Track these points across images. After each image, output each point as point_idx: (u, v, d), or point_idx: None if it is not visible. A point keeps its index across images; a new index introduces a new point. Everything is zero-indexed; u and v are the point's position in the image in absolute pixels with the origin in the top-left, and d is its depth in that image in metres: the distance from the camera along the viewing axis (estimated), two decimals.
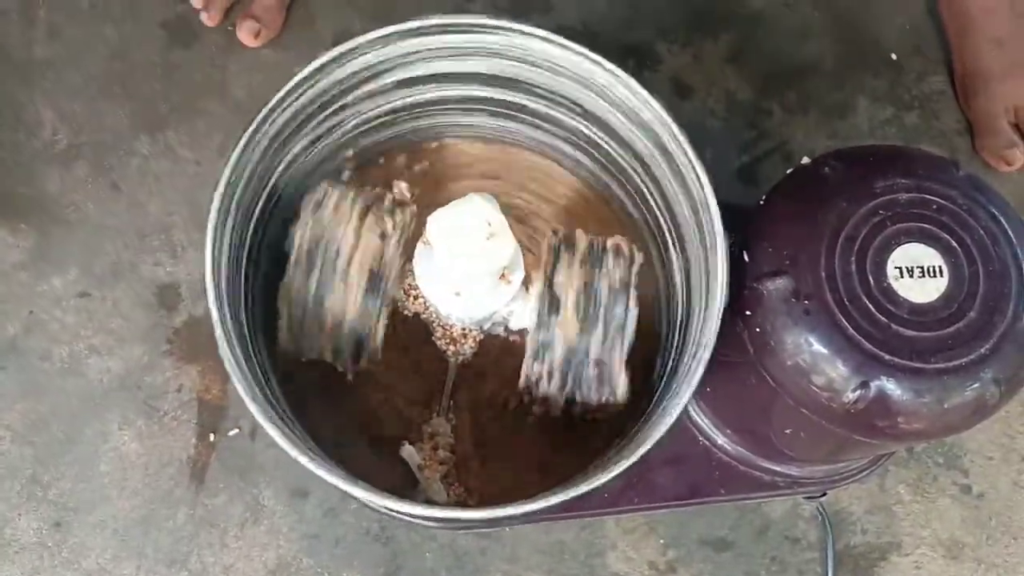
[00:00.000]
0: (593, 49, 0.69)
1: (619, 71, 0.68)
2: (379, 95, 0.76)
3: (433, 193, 0.81)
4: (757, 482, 0.76)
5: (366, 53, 0.70)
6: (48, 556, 0.84)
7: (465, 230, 0.63)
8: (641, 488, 0.76)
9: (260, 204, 0.71)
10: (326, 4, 1.04)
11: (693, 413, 0.77)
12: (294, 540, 0.85)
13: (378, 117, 0.78)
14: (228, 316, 0.64)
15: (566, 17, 1.05)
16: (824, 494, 0.81)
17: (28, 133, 0.96)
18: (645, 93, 0.68)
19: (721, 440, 0.76)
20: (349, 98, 0.74)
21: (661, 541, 0.86)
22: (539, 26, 0.70)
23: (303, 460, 0.60)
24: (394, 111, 0.79)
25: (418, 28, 0.70)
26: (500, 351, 0.78)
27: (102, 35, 1.00)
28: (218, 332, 0.62)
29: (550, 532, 0.86)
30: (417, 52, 0.72)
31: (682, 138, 0.67)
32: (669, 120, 0.67)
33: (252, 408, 0.60)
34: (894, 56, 1.05)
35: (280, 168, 0.72)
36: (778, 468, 0.76)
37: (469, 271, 0.65)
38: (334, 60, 0.68)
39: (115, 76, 0.98)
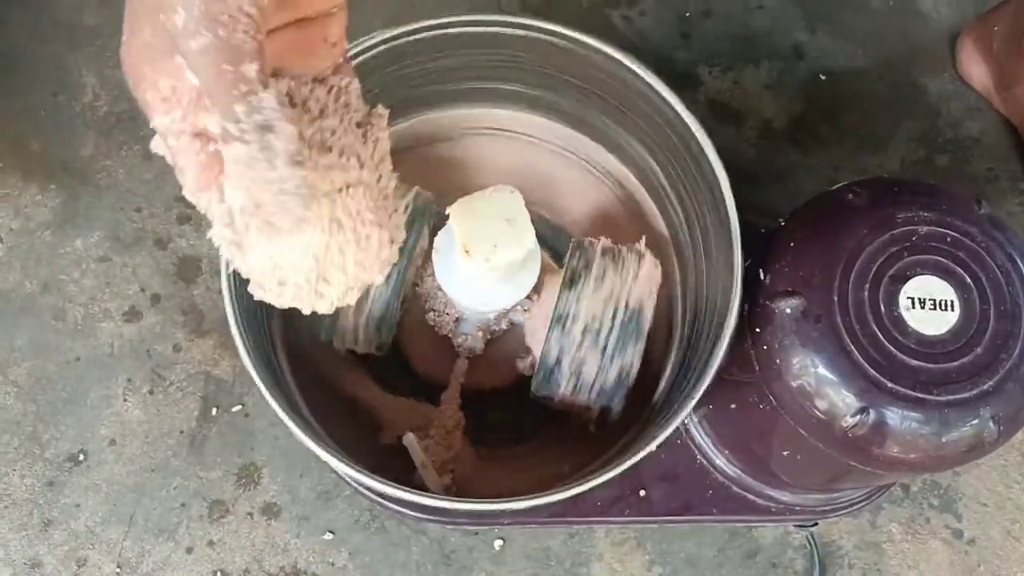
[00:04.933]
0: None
1: (657, 81, 0.70)
2: (412, 81, 0.77)
3: (456, 189, 0.82)
4: (750, 505, 0.77)
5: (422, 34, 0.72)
6: (37, 513, 0.85)
7: (487, 220, 0.64)
8: (633, 500, 0.76)
9: None
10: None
11: (693, 431, 0.77)
12: (284, 521, 0.85)
13: (407, 102, 0.80)
14: (241, 294, 0.65)
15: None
16: (816, 523, 0.81)
17: (69, 96, 0.98)
18: (681, 108, 0.69)
19: (718, 460, 0.76)
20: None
21: (648, 556, 0.86)
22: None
23: (301, 436, 0.60)
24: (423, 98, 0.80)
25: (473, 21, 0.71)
26: (510, 346, 0.78)
27: None
28: (229, 309, 0.63)
29: (538, 537, 0.86)
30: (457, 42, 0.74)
31: (713, 158, 0.68)
32: (702, 137, 0.69)
33: (256, 378, 0.61)
34: (933, 100, 1.06)
35: None
36: (772, 492, 0.76)
37: (486, 262, 0.65)
38: (391, 39, 0.70)
39: None
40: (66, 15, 1.01)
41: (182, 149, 0.41)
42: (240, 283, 0.64)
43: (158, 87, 0.40)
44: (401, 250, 0.68)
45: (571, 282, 0.70)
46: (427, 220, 0.73)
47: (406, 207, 0.71)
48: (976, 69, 1.04)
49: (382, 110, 0.49)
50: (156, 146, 0.43)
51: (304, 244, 0.46)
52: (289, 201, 0.41)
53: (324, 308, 0.49)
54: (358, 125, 0.47)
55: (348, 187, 0.46)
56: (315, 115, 0.45)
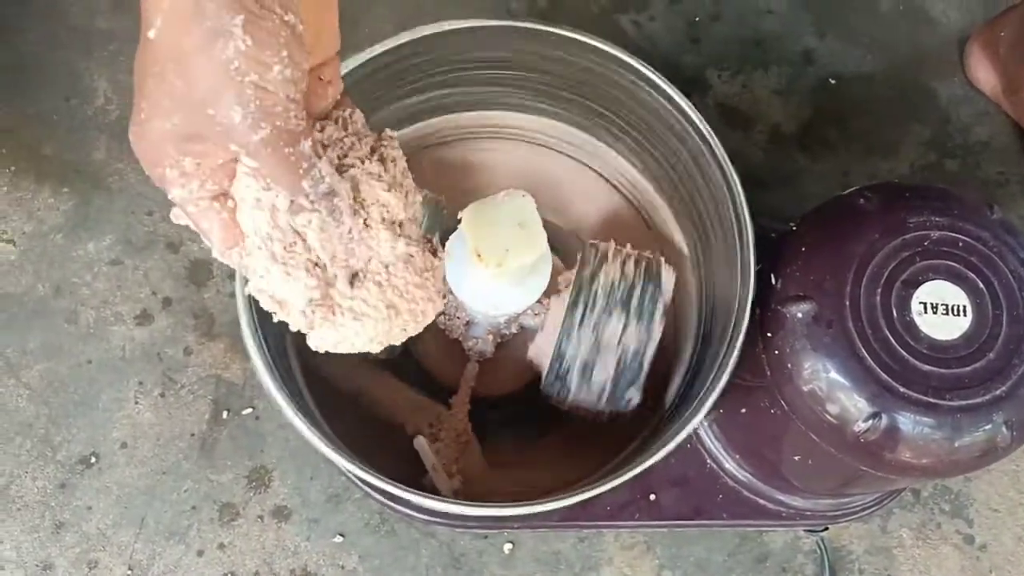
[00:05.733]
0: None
1: (669, 85, 0.70)
2: (422, 85, 0.77)
3: (467, 193, 0.82)
4: (761, 510, 0.77)
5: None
6: (49, 515, 0.85)
7: (498, 225, 0.64)
8: (644, 505, 0.76)
9: None
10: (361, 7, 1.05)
11: (704, 435, 0.77)
12: (295, 524, 0.85)
13: (418, 107, 0.80)
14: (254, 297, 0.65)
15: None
16: (826, 528, 0.81)
17: (81, 100, 0.98)
18: (693, 113, 0.70)
19: (729, 464, 0.76)
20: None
21: (657, 561, 0.86)
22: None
23: (312, 437, 0.61)
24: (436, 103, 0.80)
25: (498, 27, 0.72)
26: (520, 350, 0.78)
27: None
28: (241, 309, 0.63)
29: (548, 541, 0.86)
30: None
31: (726, 162, 0.68)
32: (714, 142, 0.69)
33: (266, 382, 0.61)
34: (943, 105, 1.06)
35: None
36: (783, 497, 0.76)
37: (498, 267, 0.66)
38: (402, 45, 0.70)
39: None
40: (78, 20, 1.01)
41: (203, 214, 0.44)
42: None
43: (181, 165, 0.42)
44: None
45: (582, 286, 0.70)
46: (437, 224, 0.73)
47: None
48: (984, 73, 1.04)
49: (390, 132, 0.51)
50: (177, 217, 0.46)
51: (366, 336, 0.50)
52: (357, 248, 0.47)
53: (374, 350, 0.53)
54: (372, 150, 0.50)
55: (389, 265, 0.50)
56: (338, 151, 0.48)
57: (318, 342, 0.50)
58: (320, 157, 0.44)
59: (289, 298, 0.47)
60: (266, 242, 0.45)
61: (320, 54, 0.47)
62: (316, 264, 0.47)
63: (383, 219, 0.49)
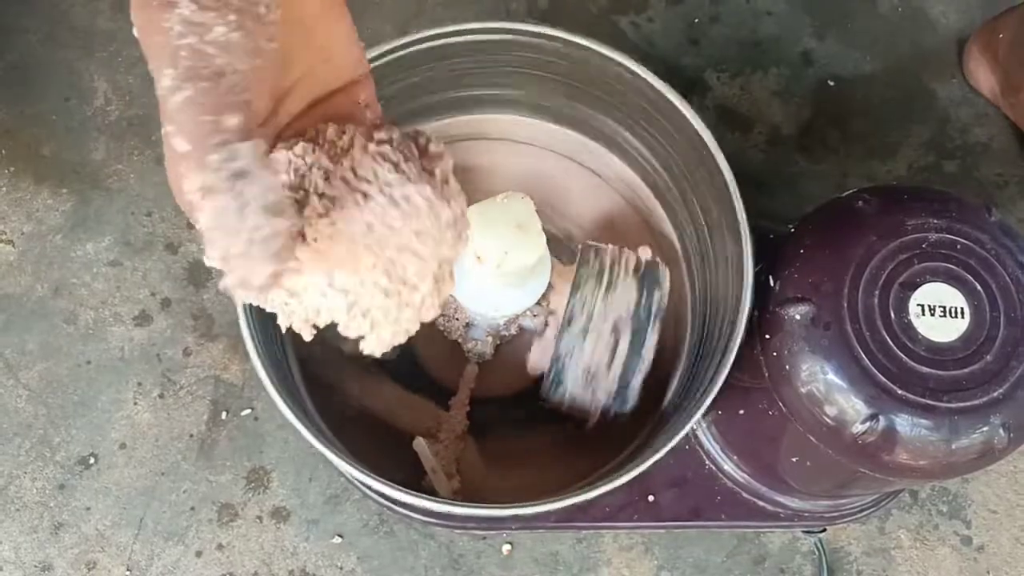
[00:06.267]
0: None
1: (666, 88, 0.70)
2: (422, 88, 0.77)
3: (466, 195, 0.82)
4: (759, 511, 0.77)
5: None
6: (48, 516, 0.85)
7: (498, 226, 0.64)
8: (642, 506, 0.76)
9: None
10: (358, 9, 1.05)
11: (702, 436, 0.77)
12: (293, 524, 0.86)
13: (417, 109, 0.80)
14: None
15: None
16: (824, 529, 0.81)
17: (81, 100, 0.98)
18: (691, 115, 0.70)
19: (727, 466, 0.76)
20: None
21: (656, 562, 0.86)
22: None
23: (310, 438, 0.61)
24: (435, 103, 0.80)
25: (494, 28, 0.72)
26: (519, 352, 0.78)
27: None
28: (240, 310, 0.64)
29: (547, 542, 0.86)
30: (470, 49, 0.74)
31: (723, 164, 0.68)
32: (712, 144, 0.69)
33: (265, 382, 0.62)
34: (942, 106, 1.06)
35: None
36: (781, 498, 0.76)
37: (497, 268, 0.66)
38: (401, 47, 0.71)
39: None
40: (79, 21, 1.01)
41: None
42: None
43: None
44: None
45: (581, 288, 0.70)
46: None
47: None
48: (983, 75, 1.04)
49: (437, 147, 0.48)
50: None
51: (329, 304, 0.46)
52: (257, 251, 0.40)
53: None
54: (424, 169, 0.47)
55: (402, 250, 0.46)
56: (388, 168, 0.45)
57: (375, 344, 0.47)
58: (248, 139, 0.39)
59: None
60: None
61: (346, 71, 0.46)
62: None
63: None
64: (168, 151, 0.39)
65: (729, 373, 0.64)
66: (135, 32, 0.39)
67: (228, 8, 0.38)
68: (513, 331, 0.78)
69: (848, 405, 0.60)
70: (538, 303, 0.73)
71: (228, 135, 0.39)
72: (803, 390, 0.62)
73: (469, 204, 0.67)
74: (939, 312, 0.60)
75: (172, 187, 0.40)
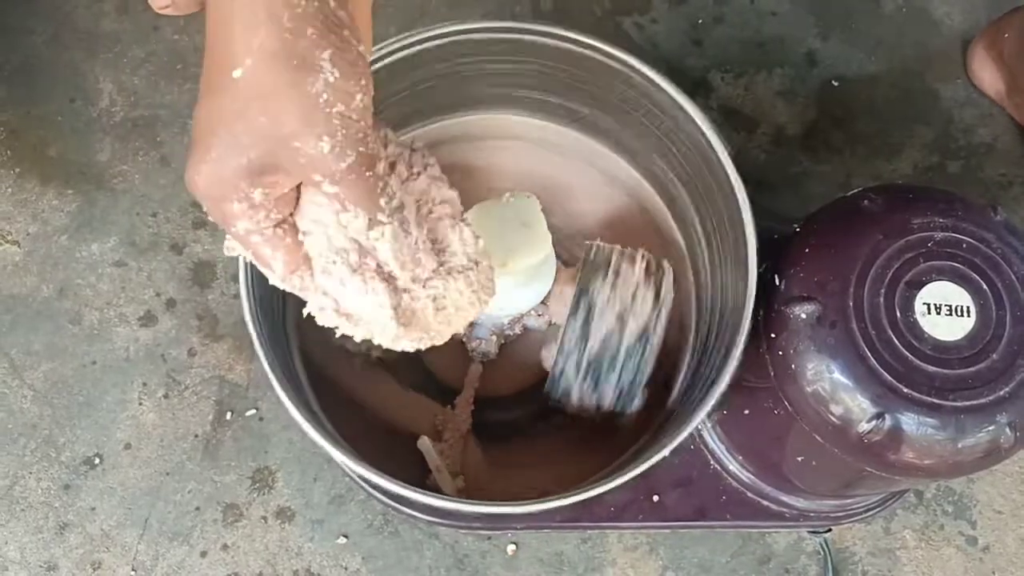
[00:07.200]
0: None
1: (672, 87, 0.70)
2: (427, 87, 0.78)
3: (471, 194, 0.82)
4: (764, 511, 0.77)
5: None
6: (53, 516, 0.85)
7: (504, 225, 0.64)
8: (647, 506, 0.76)
9: None
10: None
11: (707, 436, 0.77)
12: (298, 524, 0.86)
13: (422, 108, 0.80)
14: (258, 296, 0.65)
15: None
16: (829, 529, 0.81)
17: (86, 101, 0.98)
18: (696, 114, 0.70)
19: (732, 466, 0.76)
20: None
21: (661, 562, 0.86)
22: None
23: (315, 436, 0.61)
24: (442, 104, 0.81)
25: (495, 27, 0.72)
26: (523, 351, 0.78)
27: None
28: (246, 310, 0.64)
29: (551, 542, 0.86)
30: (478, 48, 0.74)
31: (728, 164, 0.68)
32: (717, 144, 0.69)
33: (273, 381, 0.62)
34: (946, 107, 1.06)
35: None
36: (786, 498, 0.76)
37: (503, 267, 0.66)
38: (406, 46, 0.71)
39: (178, 54, 1.01)
40: (83, 22, 1.02)
41: (268, 241, 0.45)
42: (257, 286, 0.65)
43: (250, 198, 0.43)
44: None
45: (586, 287, 0.70)
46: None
47: None
48: (987, 75, 1.04)
49: (417, 145, 0.54)
50: (230, 250, 0.47)
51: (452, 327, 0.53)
52: (424, 257, 0.50)
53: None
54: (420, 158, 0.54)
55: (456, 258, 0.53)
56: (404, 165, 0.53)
57: (406, 345, 0.51)
58: (390, 174, 0.48)
59: (364, 310, 0.49)
60: (342, 255, 0.47)
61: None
62: (388, 276, 0.49)
63: (452, 215, 0.53)
64: (221, 157, 0.41)
65: (734, 373, 0.64)
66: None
67: (358, 72, 0.41)
68: (517, 330, 0.78)
69: (854, 404, 0.60)
70: (543, 302, 0.73)
71: (383, 180, 0.47)
72: (809, 389, 0.62)
73: (475, 203, 0.67)
74: (945, 311, 0.60)
75: (215, 191, 0.43)
